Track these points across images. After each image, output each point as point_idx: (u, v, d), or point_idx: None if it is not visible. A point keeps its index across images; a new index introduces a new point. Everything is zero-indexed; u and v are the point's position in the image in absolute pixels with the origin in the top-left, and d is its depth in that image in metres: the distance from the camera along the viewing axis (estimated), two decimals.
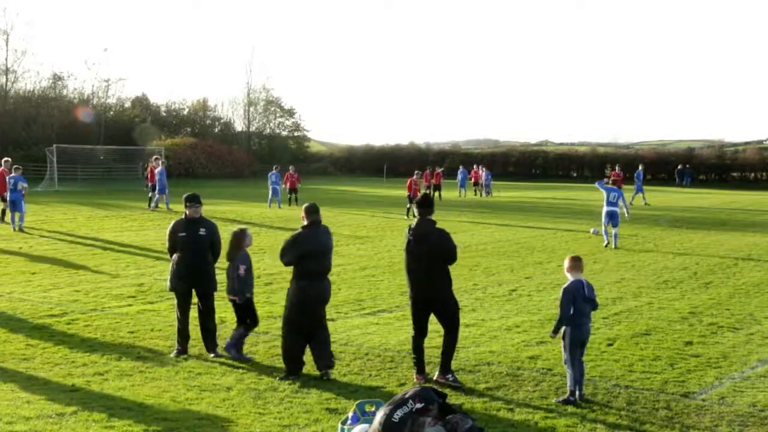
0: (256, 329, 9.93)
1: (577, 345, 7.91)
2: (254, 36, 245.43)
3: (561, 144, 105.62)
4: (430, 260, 8.45)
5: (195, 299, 9.69)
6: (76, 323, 11.07)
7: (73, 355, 9.38)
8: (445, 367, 8.52)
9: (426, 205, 8.72)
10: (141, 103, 71.84)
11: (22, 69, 62.50)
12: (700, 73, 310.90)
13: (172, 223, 9.85)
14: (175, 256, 9.67)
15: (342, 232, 22.84)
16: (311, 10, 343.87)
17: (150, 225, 24.85)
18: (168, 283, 9.83)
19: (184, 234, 9.56)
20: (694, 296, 13.67)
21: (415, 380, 8.54)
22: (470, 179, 45.57)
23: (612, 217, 20.14)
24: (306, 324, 8.69)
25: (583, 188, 51.75)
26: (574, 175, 71.63)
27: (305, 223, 8.85)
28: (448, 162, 66.26)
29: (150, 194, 31.44)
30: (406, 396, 6.52)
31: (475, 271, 16.24)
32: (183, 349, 9.53)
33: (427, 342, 8.84)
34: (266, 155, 70.09)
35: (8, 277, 14.80)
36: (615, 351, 9.86)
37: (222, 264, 9.89)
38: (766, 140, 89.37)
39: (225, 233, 10.25)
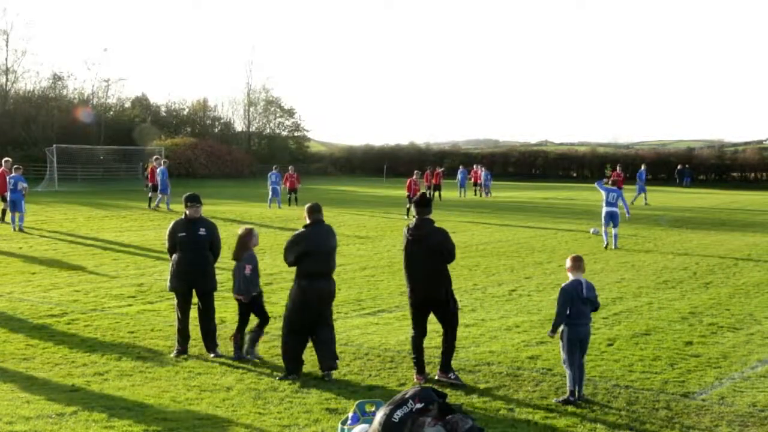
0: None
1: (575, 345, 7.90)
2: (254, 36, 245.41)
3: (561, 144, 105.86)
4: (429, 260, 8.44)
5: (195, 299, 9.69)
6: (75, 323, 11.08)
7: (73, 355, 9.38)
8: (446, 365, 8.53)
9: (424, 204, 8.70)
10: (141, 103, 71.94)
11: (22, 69, 62.79)
12: (700, 74, 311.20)
13: (172, 223, 9.84)
14: (175, 256, 9.66)
15: (342, 232, 22.81)
16: (311, 10, 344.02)
17: (150, 225, 24.86)
18: (168, 284, 9.83)
19: (184, 234, 9.56)
20: (694, 296, 13.67)
21: (415, 380, 8.54)
22: (470, 179, 45.59)
23: (612, 218, 20.09)
24: (306, 324, 8.67)
25: (583, 188, 51.74)
26: (574, 175, 71.66)
27: (308, 222, 8.84)
28: (448, 162, 66.39)
29: (150, 194, 31.46)
30: (406, 396, 6.52)
31: (475, 271, 16.24)
32: (183, 349, 9.53)
33: (427, 342, 8.85)
34: (266, 155, 70.13)
35: (8, 277, 14.80)
36: (615, 351, 9.86)
37: (222, 264, 9.89)
38: (766, 140, 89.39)
39: (225, 233, 10.24)
